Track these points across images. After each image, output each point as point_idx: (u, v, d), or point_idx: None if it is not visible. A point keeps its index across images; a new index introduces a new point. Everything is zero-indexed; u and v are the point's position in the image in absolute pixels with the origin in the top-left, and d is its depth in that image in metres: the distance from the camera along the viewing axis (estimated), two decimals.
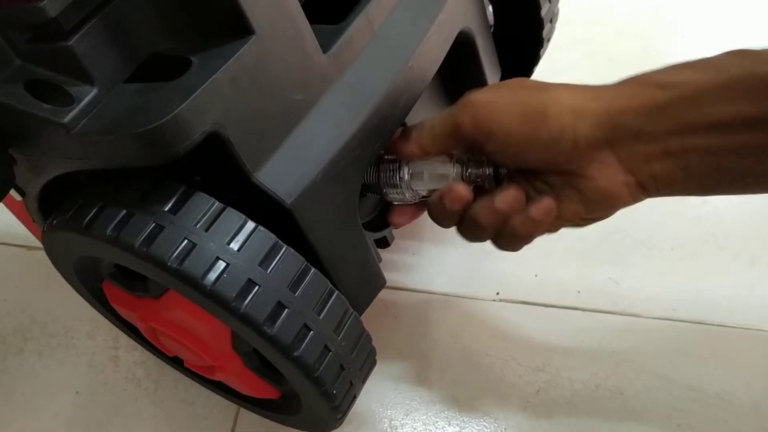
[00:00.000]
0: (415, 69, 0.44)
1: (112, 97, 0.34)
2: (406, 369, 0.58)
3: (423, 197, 0.45)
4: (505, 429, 0.54)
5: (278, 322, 0.36)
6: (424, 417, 0.55)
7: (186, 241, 0.35)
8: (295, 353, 0.36)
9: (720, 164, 0.36)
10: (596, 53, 0.82)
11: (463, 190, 0.41)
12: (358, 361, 0.42)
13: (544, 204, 0.40)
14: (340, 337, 0.39)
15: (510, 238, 0.42)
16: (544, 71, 0.79)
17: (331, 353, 0.38)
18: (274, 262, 0.36)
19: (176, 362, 0.53)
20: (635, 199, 0.40)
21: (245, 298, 0.35)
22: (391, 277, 0.63)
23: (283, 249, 0.37)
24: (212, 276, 0.34)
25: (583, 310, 0.61)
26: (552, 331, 0.60)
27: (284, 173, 0.37)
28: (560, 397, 0.56)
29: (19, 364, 0.60)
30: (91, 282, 0.48)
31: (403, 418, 0.55)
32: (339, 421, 0.45)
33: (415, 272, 0.64)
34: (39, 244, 0.66)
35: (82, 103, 0.33)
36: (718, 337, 0.59)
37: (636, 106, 0.37)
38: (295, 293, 0.37)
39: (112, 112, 0.33)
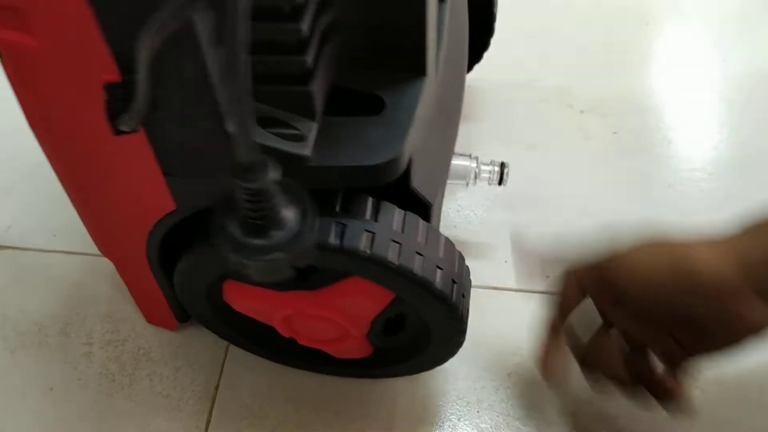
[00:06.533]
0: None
1: (325, 129, 0.38)
2: None
3: None
4: (477, 411, 0.55)
5: (439, 281, 0.44)
6: None
7: (392, 242, 0.42)
8: (449, 299, 0.45)
9: None
10: (562, 42, 0.84)
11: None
12: (467, 282, 0.49)
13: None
14: (455, 267, 0.46)
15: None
16: (511, 60, 0.80)
17: (456, 285, 0.46)
18: (433, 241, 0.45)
19: (271, 346, 0.56)
20: None
21: (435, 279, 0.44)
22: None
23: (437, 233, 0.46)
24: (417, 266, 0.43)
25: (552, 293, 0.62)
26: (522, 315, 0.60)
27: (425, 182, 0.46)
28: (532, 379, 0.57)
29: None
30: (213, 295, 0.52)
31: None
32: (463, 334, 0.50)
33: None
34: (8, 243, 0.66)
35: (311, 137, 0.36)
36: None
37: None
38: (444, 256, 0.45)
39: (336, 144, 0.38)
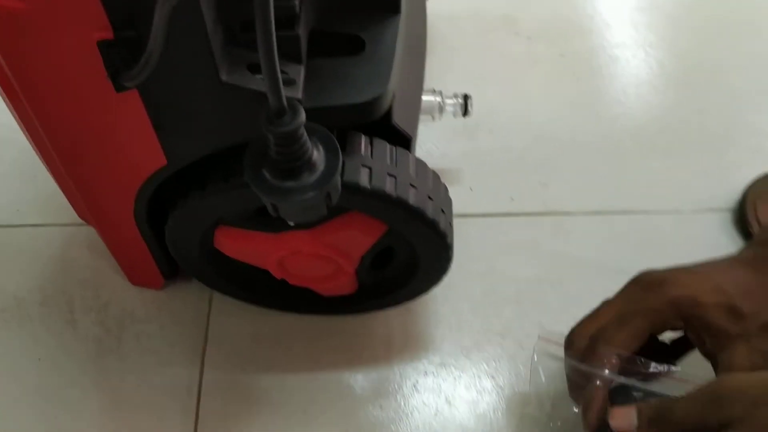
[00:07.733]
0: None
1: (310, 72, 0.39)
2: None
3: None
4: (458, 330, 0.58)
5: (430, 210, 0.46)
6: None
7: (388, 175, 0.43)
8: (439, 227, 0.47)
9: None
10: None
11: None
12: (449, 208, 0.51)
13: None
14: (442, 197, 0.49)
15: None
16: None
17: (444, 214, 0.48)
18: (422, 173, 0.47)
19: (261, 290, 0.57)
20: None
21: (427, 209, 0.46)
22: None
23: (425, 166, 0.48)
24: (412, 197, 0.44)
25: (517, 215, 0.65)
26: (491, 237, 0.63)
27: (404, 117, 0.47)
28: (507, 295, 0.60)
29: None
30: (207, 245, 0.52)
31: None
32: (451, 260, 0.53)
33: None
34: None
35: (301, 80, 0.37)
36: (641, 223, 0.64)
37: None
38: (433, 187, 0.47)
39: (322, 85, 0.39)
